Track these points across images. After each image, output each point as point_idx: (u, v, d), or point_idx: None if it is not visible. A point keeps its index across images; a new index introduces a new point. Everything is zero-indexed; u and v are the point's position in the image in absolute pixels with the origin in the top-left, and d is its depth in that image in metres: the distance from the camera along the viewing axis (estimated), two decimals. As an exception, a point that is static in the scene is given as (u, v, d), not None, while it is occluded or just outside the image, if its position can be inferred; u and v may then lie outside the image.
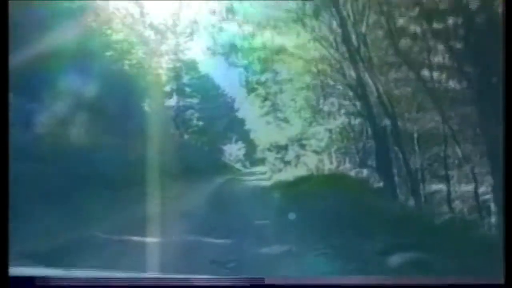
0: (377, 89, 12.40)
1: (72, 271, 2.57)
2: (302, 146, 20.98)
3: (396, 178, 13.41)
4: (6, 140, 2.81)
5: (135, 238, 7.97)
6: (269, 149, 25.34)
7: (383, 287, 2.35)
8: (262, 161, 29.57)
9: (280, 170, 24.08)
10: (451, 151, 13.21)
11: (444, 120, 12.82)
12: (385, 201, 12.38)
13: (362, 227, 8.35)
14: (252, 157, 34.07)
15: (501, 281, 2.46)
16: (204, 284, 2.31)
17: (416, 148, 13.94)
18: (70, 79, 13.15)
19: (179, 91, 25.18)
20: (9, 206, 2.71)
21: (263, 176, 26.50)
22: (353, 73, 13.54)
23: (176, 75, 23.98)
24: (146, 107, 19.67)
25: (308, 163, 20.49)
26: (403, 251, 6.20)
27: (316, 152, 19.86)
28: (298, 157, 21.92)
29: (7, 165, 2.78)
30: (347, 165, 17.71)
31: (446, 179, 13.00)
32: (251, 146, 32.75)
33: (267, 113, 21.91)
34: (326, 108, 17.84)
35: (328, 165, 18.95)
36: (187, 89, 26.15)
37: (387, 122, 13.17)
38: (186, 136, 27.15)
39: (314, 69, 16.03)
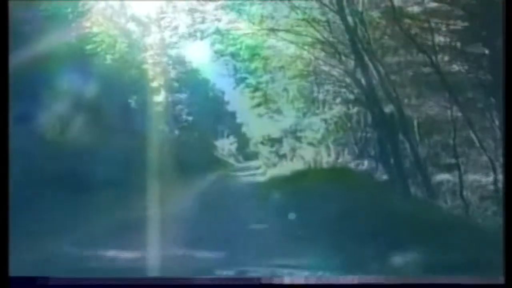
0: (379, 73, 11.15)
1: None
2: (297, 138, 19.91)
3: (403, 170, 12.20)
4: (6, 140, 2.90)
5: (120, 242, 7.47)
6: (262, 143, 24.29)
7: (383, 287, 2.30)
8: (256, 155, 28.78)
9: (275, 165, 23.00)
10: (462, 138, 12.11)
11: (453, 105, 11.74)
12: (396, 197, 11.30)
13: (378, 230, 7.23)
14: (245, 151, 33.48)
15: (501, 281, 2.40)
16: (204, 284, 2.31)
17: (422, 136, 12.79)
18: (48, 75, 12.32)
19: (167, 87, 24.04)
20: (9, 206, 2.74)
21: (258, 171, 25.65)
22: (350, 57, 12.30)
23: (163, 70, 22.96)
24: (133, 103, 19.30)
25: (305, 156, 19.37)
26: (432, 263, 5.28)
27: (312, 144, 18.77)
28: (293, 150, 20.83)
29: (7, 165, 2.85)
30: (347, 157, 16.60)
31: (458, 168, 11.85)
32: (243, 140, 32.14)
33: (258, 105, 20.66)
34: (321, 97, 16.67)
35: (326, 158, 17.87)
36: (175, 84, 25.14)
37: (390, 109, 11.95)
38: (176, 132, 26.11)
39: (306, 55, 14.74)
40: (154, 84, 21.95)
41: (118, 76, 17.41)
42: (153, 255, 6.32)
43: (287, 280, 2.33)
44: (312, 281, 2.31)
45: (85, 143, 12.92)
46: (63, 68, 12.65)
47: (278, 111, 19.84)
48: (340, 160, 17.10)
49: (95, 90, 14.04)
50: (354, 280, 2.30)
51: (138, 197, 11.33)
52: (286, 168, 20.15)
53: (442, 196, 12.41)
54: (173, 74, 24.50)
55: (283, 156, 22.47)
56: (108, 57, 17.18)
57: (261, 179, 21.11)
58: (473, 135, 11.53)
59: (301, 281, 2.32)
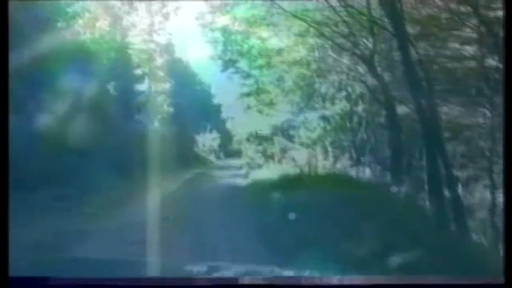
0: (408, 59, 8.82)
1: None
2: (289, 137, 18.36)
3: (420, 181, 10.18)
4: (6, 140, 2.85)
5: (73, 241, 7.24)
6: (248, 140, 22.40)
7: (383, 287, 2.19)
8: (239, 153, 27.16)
9: (260, 166, 21.42)
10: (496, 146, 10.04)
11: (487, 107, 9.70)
12: (406, 212, 9.48)
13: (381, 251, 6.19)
14: (228, 149, 32.62)
15: (501, 281, 2.31)
16: (205, 284, 2.29)
17: (446, 143, 10.67)
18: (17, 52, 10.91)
19: (151, 75, 23.85)
20: (9, 206, 2.73)
21: (239, 171, 24.37)
22: (368, 39, 10.05)
23: (149, 57, 22.93)
24: (112, 90, 18.38)
25: (297, 158, 17.74)
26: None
27: (306, 145, 17.16)
28: (283, 150, 19.25)
29: (7, 165, 2.82)
30: (347, 162, 14.73)
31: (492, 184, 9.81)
32: (227, 136, 31.17)
33: (248, 94, 18.75)
34: (322, 89, 14.71)
35: (322, 162, 16.28)
36: (160, 73, 24.82)
37: (410, 107, 9.78)
38: (155, 124, 25.32)
39: (313, 35, 12.43)
40: (138, 71, 21.65)
41: (96, 57, 16.52)
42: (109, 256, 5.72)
43: (285, 281, 2.33)
44: (312, 281, 2.27)
45: (53, 130, 12.15)
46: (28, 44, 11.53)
47: (270, 104, 17.83)
48: (338, 165, 15.43)
49: (68, 70, 13.05)
50: (354, 281, 2.24)
51: (98, 194, 10.90)
52: (273, 171, 18.51)
53: (465, 215, 10.31)
54: (159, 62, 24.20)
55: (271, 157, 20.89)
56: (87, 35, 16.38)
57: (242, 181, 20.02)
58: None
59: (300, 281, 2.27)
